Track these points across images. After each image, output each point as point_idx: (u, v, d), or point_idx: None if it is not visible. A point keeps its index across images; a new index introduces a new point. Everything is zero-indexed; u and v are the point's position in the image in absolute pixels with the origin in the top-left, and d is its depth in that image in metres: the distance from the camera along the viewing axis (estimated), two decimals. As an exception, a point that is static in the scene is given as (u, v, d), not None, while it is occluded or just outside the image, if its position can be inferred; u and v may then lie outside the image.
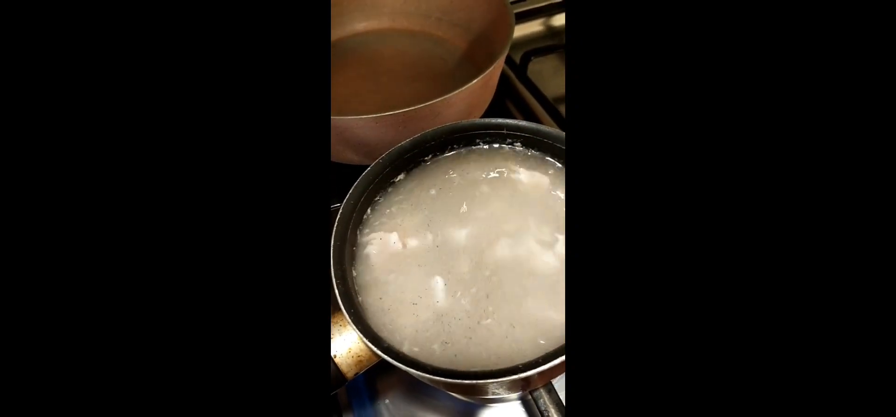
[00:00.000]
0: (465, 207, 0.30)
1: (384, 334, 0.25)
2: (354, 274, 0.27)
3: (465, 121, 0.32)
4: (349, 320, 0.23)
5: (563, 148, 0.30)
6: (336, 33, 0.54)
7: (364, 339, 0.23)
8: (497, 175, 0.31)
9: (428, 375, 0.22)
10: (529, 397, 0.29)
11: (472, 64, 0.51)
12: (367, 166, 0.29)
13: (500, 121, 0.32)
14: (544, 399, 0.28)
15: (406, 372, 0.22)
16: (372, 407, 0.33)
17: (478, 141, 0.33)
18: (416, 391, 0.34)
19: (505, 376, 0.22)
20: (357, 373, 0.25)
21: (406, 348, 0.25)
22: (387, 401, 0.34)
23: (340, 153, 0.40)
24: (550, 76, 0.53)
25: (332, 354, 0.25)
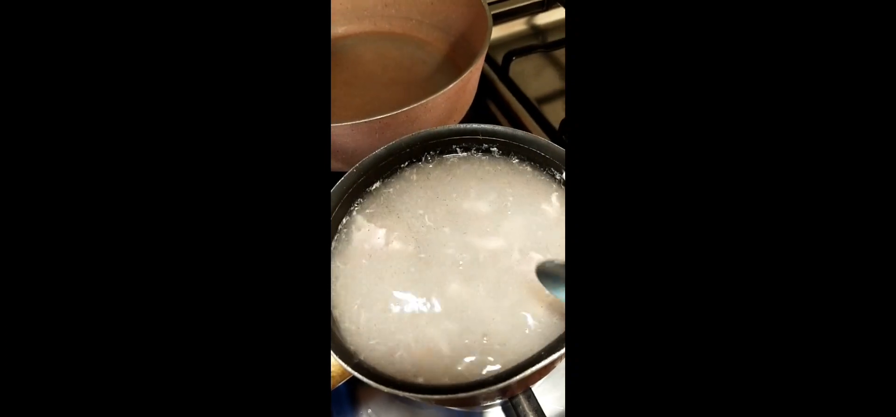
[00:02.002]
0: (442, 215, 0.30)
1: (357, 343, 0.25)
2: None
3: (440, 128, 0.32)
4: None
5: (540, 152, 0.30)
6: (316, 37, 0.54)
7: (336, 356, 0.22)
8: (475, 181, 0.31)
9: (403, 392, 0.22)
10: (508, 403, 0.29)
11: (453, 66, 0.51)
12: (346, 172, 0.29)
13: (475, 126, 0.32)
14: (523, 405, 0.28)
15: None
16: (353, 415, 0.33)
17: (454, 147, 0.33)
18: (397, 398, 0.34)
19: (483, 387, 0.22)
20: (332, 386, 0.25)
21: (379, 356, 0.24)
22: (369, 411, 0.33)
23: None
24: (532, 76, 0.53)
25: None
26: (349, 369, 0.22)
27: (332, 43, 0.54)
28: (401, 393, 0.22)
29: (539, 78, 0.53)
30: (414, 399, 0.23)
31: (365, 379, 0.22)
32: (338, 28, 0.54)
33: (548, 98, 0.51)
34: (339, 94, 0.48)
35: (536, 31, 0.62)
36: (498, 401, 0.31)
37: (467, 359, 0.24)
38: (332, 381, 0.25)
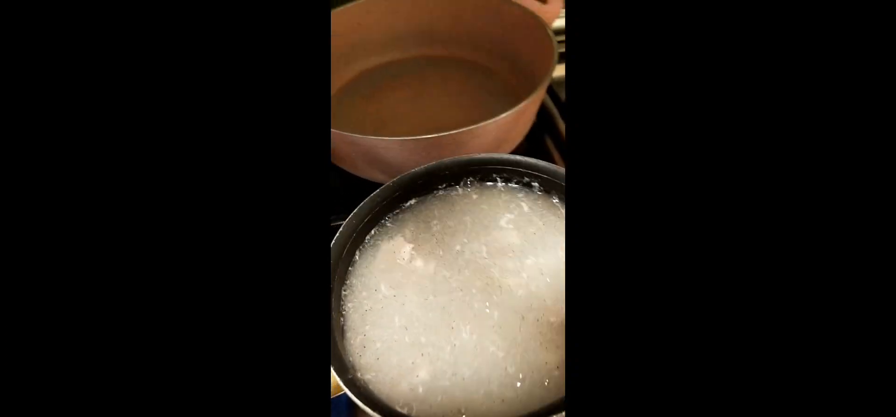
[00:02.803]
0: (469, 242, 0.29)
1: (360, 360, 0.25)
2: (344, 292, 0.27)
3: (483, 155, 0.31)
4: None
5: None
6: (392, 56, 0.56)
7: (334, 371, 0.22)
8: (511, 215, 0.30)
9: None
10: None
11: (515, 97, 0.51)
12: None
13: (518, 158, 0.31)
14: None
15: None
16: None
17: (495, 176, 0.32)
18: None
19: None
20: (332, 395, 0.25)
21: (381, 378, 0.24)
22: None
23: (366, 171, 0.40)
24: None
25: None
26: (340, 383, 0.22)
27: (403, 63, 0.56)
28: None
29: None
30: None
31: (353, 397, 0.21)
32: (411, 50, 0.56)
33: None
34: (399, 111, 0.50)
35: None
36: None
37: (469, 404, 0.23)
38: (333, 390, 0.25)
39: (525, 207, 0.30)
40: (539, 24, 0.47)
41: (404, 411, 0.22)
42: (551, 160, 0.30)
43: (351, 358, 0.25)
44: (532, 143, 0.47)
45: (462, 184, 0.32)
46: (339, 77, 0.54)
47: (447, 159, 0.31)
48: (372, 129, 0.47)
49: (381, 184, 0.30)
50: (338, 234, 0.27)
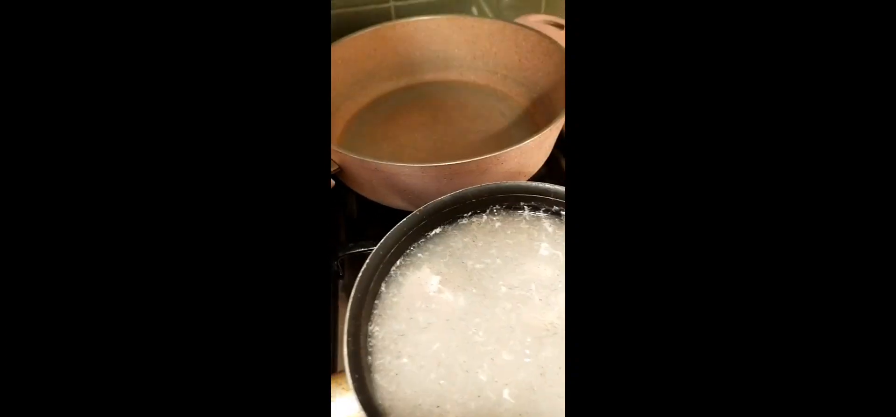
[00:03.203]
0: (500, 273, 0.28)
1: (391, 393, 0.23)
2: (371, 328, 0.26)
3: (511, 183, 0.31)
4: (351, 387, 0.22)
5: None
6: (408, 81, 0.56)
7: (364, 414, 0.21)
8: (539, 245, 0.29)
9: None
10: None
11: (531, 122, 0.50)
12: (410, 212, 0.29)
13: (546, 186, 0.30)
14: None
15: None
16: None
17: (522, 204, 0.31)
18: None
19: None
20: None
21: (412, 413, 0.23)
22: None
23: (386, 197, 0.40)
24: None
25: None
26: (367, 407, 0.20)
27: (418, 88, 0.56)
28: None
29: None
30: None
31: None
32: (426, 74, 0.57)
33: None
34: (416, 136, 0.49)
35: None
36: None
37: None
38: None
39: (553, 236, 0.29)
40: (558, 49, 0.47)
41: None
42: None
43: (379, 396, 0.23)
44: (550, 168, 0.46)
45: (488, 211, 0.31)
46: (355, 102, 0.54)
47: (473, 187, 0.31)
48: (389, 154, 0.47)
49: (401, 211, 0.29)
50: (364, 267, 0.27)
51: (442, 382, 0.24)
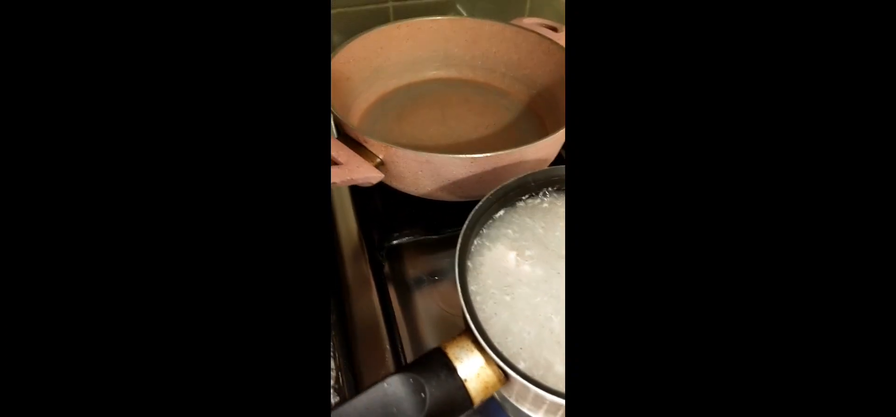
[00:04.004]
0: (561, 246, 0.32)
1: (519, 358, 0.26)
2: (473, 297, 0.29)
3: (561, 167, 0.35)
4: (485, 346, 0.24)
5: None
6: (411, 79, 0.58)
7: (501, 363, 0.24)
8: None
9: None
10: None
11: (533, 115, 0.55)
12: (451, 201, 0.32)
13: (594, 169, 0.35)
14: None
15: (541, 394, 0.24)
16: None
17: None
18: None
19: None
20: (483, 399, 0.26)
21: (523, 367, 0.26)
22: None
23: (426, 187, 0.42)
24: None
25: (463, 379, 0.26)
26: (513, 373, 0.23)
27: (421, 85, 0.58)
28: (555, 398, 0.23)
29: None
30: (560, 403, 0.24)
31: (528, 383, 0.23)
32: (428, 72, 0.59)
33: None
34: (430, 130, 0.52)
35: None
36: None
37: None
38: (487, 392, 0.26)
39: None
40: (558, 49, 0.52)
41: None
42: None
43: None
44: (559, 159, 0.51)
45: (541, 194, 0.35)
46: (364, 99, 0.55)
47: (530, 173, 0.34)
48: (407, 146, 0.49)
49: (437, 200, 0.31)
50: (460, 241, 0.29)
51: (545, 335, 0.27)
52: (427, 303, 0.39)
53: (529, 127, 0.54)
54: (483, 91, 0.58)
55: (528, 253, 0.31)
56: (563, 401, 0.23)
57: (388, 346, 0.36)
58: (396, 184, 0.43)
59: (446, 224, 0.44)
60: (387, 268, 0.42)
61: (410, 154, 0.38)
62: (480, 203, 0.32)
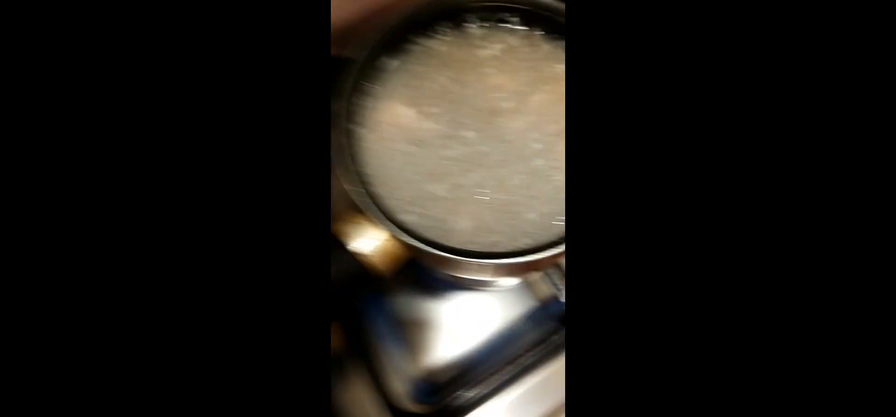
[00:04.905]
0: (466, 92, 0.28)
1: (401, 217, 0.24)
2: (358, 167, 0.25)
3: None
4: (380, 220, 0.22)
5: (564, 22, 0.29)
6: None
7: (401, 235, 0.21)
8: (496, 57, 0.29)
9: (464, 259, 0.22)
10: (536, 279, 0.30)
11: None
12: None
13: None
14: (556, 273, 0.29)
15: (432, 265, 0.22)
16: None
17: (473, 18, 0.30)
18: (419, 285, 0.34)
19: (541, 252, 0.22)
20: (390, 268, 0.24)
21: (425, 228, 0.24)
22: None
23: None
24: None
25: (357, 253, 0.23)
26: (396, 232, 0.21)
27: None
28: (455, 257, 0.22)
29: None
30: (465, 262, 0.23)
31: (414, 242, 0.21)
32: None
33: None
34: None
35: None
36: (526, 276, 0.33)
37: (506, 235, 0.25)
38: (396, 262, 0.24)
39: (512, 44, 0.30)
40: None
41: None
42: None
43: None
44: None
45: (439, 31, 0.30)
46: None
47: (413, 5, 0.28)
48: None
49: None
50: (334, 110, 0.24)
51: (434, 193, 0.25)
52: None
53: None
54: None
55: (422, 109, 0.27)
56: (483, 261, 0.22)
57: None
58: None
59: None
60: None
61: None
62: (356, 55, 0.26)
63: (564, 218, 0.25)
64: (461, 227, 0.25)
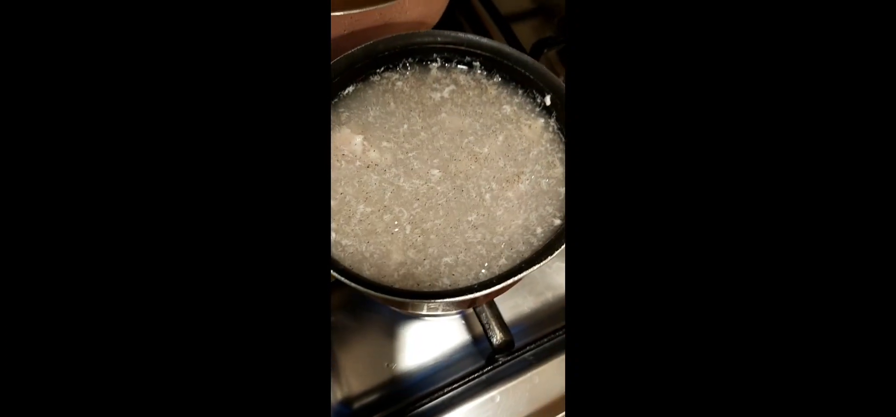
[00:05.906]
0: (420, 128, 0.29)
1: (334, 251, 0.24)
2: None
3: (421, 33, 0.30)
4: None
5: (524, 72, 0.30)
6: None
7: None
8: (456, 96, 0.30)
9: (382, 295, 0.22)
10: (472, 311, 0.31)
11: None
12: None
13: (459, 35, 0.30)
14: (486, 313, 0.30)
15: (358, 292, 0.22)
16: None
17: (434, 56, 0.31)
18: (352, 305, 0.34)
19: (461, 295, 0.23)
20: None
21: (358, 266, 0.24)
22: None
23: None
24: (505, -8, 0.51)
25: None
26: (334, 273, 0.22)
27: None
28: (376, 296, 0.22)
29: (511, -6, 0.51)
30: (382, 300, 0.23)
31: (342, 279, 0.21)
32: None
33: (520, 16, 0.49)
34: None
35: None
36: (461, 311, 0.33)
37: (434, 275, 0.25)
38: None
39: (470, 84, 0.31)
40: None
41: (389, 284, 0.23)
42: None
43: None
44: (445, 23, 0.45)
45: (401, 65, 0.31)
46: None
47: (382, 39, 0.29)
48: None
49: None
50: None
51: (372, 226, 0.25)
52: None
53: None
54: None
55: (373, 140, 0.28)
56: (386, 295, 0.22)
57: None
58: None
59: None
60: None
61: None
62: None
63: (488, 265, 0.25)
64: (395, 259, 0.25)
